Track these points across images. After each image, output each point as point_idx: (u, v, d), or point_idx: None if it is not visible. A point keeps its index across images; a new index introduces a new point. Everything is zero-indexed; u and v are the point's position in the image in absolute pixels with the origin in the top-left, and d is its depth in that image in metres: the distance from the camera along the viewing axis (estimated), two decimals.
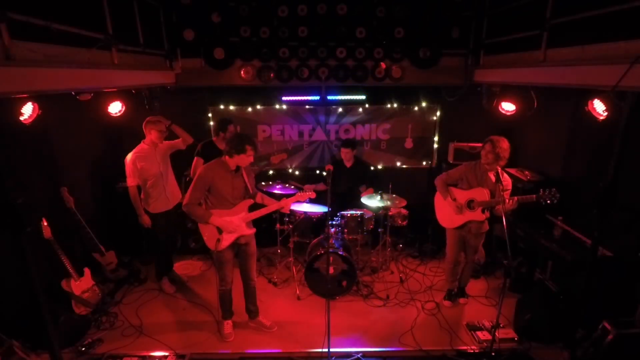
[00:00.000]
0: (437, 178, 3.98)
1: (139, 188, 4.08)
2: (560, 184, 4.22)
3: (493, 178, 3.52)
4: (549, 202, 3.30)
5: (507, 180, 3.61)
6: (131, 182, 4.00)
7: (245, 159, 3.28)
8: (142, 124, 4.01)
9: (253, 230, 3.53)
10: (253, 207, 3.52)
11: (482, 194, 3.63)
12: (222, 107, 5.26)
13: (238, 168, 3.37)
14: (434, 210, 4.09)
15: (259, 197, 3.61)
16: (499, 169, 3.55)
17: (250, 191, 3.49)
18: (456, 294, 4.26)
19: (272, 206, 3.51)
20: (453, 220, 3.88)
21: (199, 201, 3.34)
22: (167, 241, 4.46)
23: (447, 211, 3.90)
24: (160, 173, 4.07)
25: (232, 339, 3.66)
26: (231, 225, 3.36)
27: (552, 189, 3.31)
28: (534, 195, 3.37)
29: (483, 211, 3.68)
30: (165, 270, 4.51)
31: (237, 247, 3.53)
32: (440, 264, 4.90)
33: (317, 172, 5.55)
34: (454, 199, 3.79)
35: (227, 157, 3.31)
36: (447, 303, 4.18)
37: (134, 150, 4.01)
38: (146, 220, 4.13)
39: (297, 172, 5.58)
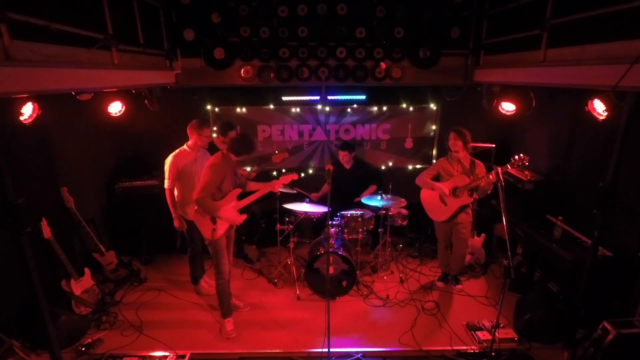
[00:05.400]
0: (418, 177, 4.23)
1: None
2: (561, 184, 4.24)
3: (468, 165, 3.98)
4: (520, 164, 3.51)
5: (480, 165, 4.02)
6: (168, 185, 3.93)
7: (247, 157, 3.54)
8: (189, 125, 3.96)
9: (244, 216, 3.65)
10: (243, 195, 3.68)
11: (462, 180, 3.95)
12: (222, 107, 5.25)
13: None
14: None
15: (250, 186, 3.81)
16: (471, 158, 4.03)
17: (238, 181, 3.62)
18: (450, 280, 4.54)
19: (261, 190, 3.71)
20: (444, 212, 4.12)
21: (212, 194, 3.38)
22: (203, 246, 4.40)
23: (436, 205, 4.17)
24: (198, 179, 3.98)
25: (233, 336, 3.66)
26: (232, 216, 3.53)
27: (520, 154, 3.48)
28: (508, 164, 3.54)
29: (470, 194, 3.96)
30: (201, 274, 4.45)
31: (228, 232, 3.66)
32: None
33: (310, 172, 5.54)
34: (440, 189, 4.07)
35: (229, 153, 3.46)
36: (439, 284, 4.54)
37: (174, 153, 3.93)
38: (182, 225, 4.05)
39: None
